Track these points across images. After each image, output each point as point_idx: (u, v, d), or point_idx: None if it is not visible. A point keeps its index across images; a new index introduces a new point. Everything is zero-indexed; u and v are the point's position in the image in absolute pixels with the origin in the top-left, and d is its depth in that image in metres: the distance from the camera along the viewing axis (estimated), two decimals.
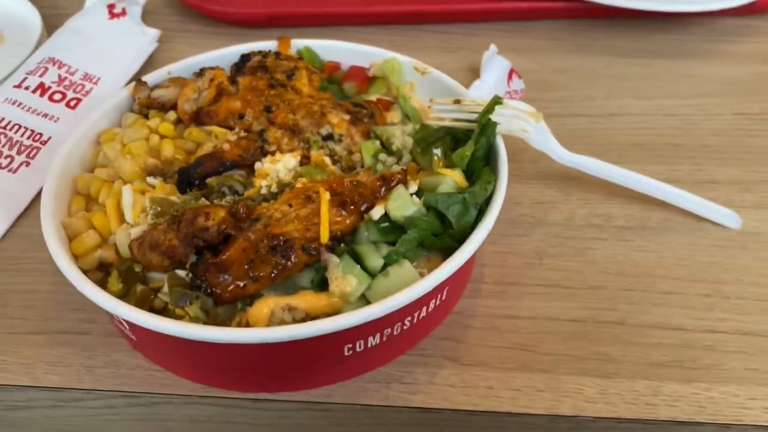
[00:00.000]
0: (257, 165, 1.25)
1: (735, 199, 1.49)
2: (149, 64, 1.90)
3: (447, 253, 1.17)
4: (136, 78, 1.82)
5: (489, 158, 1.29)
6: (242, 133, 1.33)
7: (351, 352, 1.11)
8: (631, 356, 1.21)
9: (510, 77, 1.75)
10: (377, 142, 1.37)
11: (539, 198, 1.49)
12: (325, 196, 1.15)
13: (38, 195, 1.55)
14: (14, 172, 1.55)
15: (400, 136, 1.35)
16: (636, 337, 1.24)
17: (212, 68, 1.47)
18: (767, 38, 2.00)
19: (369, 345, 1.12)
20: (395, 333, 1.14)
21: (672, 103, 1.76)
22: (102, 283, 1.19)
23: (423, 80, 1.53)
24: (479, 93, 1.72)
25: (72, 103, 1.70)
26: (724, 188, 1.51)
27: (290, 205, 1.15)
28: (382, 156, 1.34)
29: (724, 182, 1.53)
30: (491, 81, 1.76)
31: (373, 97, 1.54)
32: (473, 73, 1.86)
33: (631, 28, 2.01)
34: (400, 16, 2.03)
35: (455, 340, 1.24)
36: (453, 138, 1.34)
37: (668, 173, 1.56)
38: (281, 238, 1.10)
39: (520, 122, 1.33)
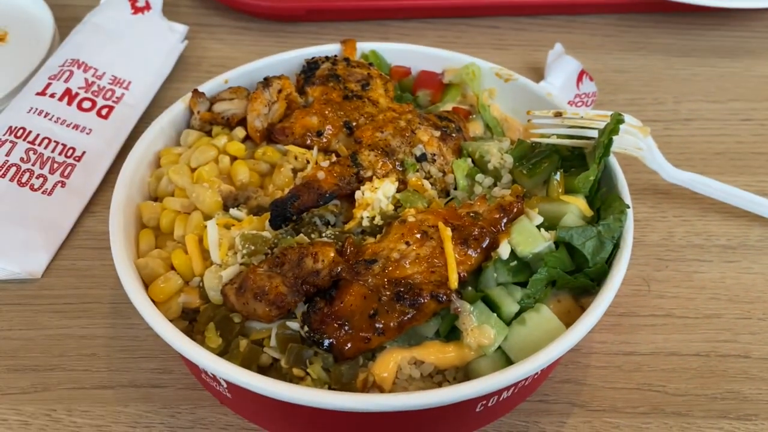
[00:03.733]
0: (357, 194, 1.12)
1: None
2: (178, 65, 1.72)
3: (575, 292, 1.07)
4: (168, 81, 1.67)
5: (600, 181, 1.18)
6: (333, 158, 1.18)
7: (482, 408, 1.00)
8: (765, 394, 1.13)
9: (580, 79, 1.64)
10: (469, 160, 1.25)
11: (633, 215, 1.39)
12: (447, 232, 1.02)
13: (78, 221, 1.38)
14: (49, 194, 1.37)
15: (497, 153, 1.22)
16: (765, 372, 1.16)
17: (278, 77, 1.31)
18: None
19: (501, 398, 1.01)
20: (526, 384, 1.03)
21: (745, 107, 1.68)
22: (188, 334, 1.04)
23: (505, 88, 1.40)
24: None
25: (104, 112, 1.52)
26: None
27: (407, 243, 1.02)
28: (479, 177, 1.21)
29: None
30: (558, 83, 1.64)
31: (449, 107, 1.41)
32: (533, 73, 1.75)
33: (687, 24, 1.92)
34: (446, 9, 1.89)
35: (577, 383, 1.14)
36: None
37: (757, 185, 1.48)
38: (405, 283, 0.98)
39: (632, 139, 1.22)
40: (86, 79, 1.55)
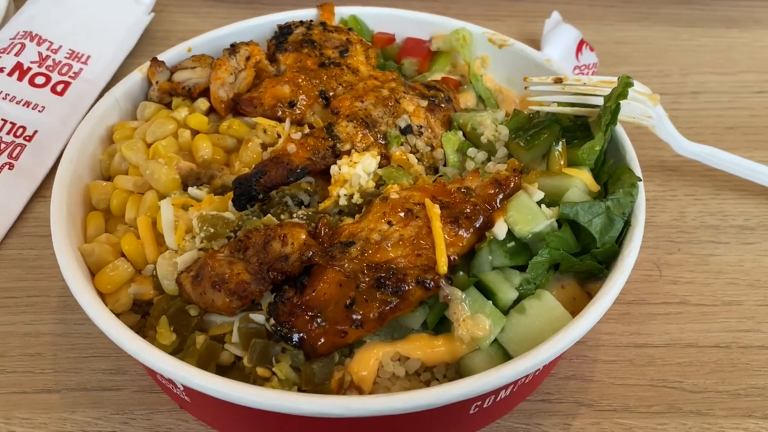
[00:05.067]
0: (333, 169, 0.98)
1: None
2: (144, 39, 1.59)
3: (581, 276, 0.95)
4: (131, 56, 1.54)
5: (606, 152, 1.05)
6: (306, 129, 1.05)
7: (477, 409, 0.87)
8: None
9: (579, 49, 1.51)
10: (460, 133, 1.12)
11: None
12: (435, 209, 0.89)
13: (27, 206, 1.24)
14: None
15: (491, 125, 1.09)
16: None
17: (246, 43, 1.18)
18: None
19: (498, 398, 0.88)
20: (526, 381, 0.90)
21: (756, 79, 1.56)
22: (140, 329, 0.92)
23: (499, 55, 1.27)
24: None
25: (59, 88, 1.38)
26: None
27: (389, 223, 0.89)
28: (471, 151, 1.08)
29: None
30: (556, 54, 1.52)
31: (438, 76, 1.28)
32: (529, 45, 1.61)
33: None
34: None
35: (583, 380, 1.01)
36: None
37: None
38: (388, 267, 0.85)
39: (641, 106, 1.10)
40: (40, 53, 1.42)
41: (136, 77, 1.16)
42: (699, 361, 1.04)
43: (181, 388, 0.86)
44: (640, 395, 0.99)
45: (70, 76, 1.41)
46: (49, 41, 1.44)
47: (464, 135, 1.12)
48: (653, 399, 0.99)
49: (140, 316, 0.94)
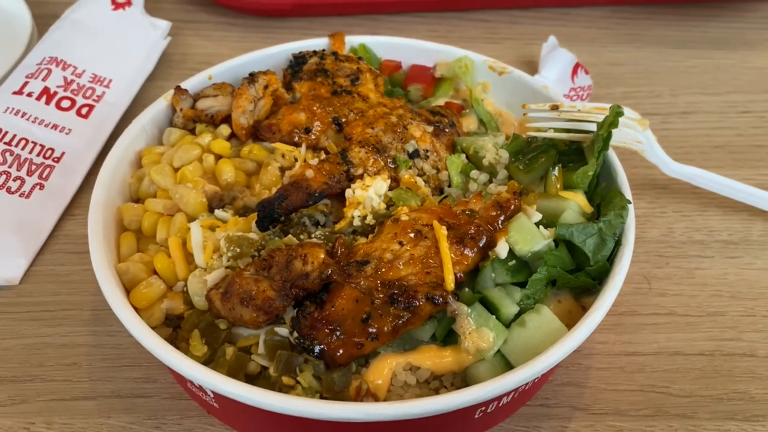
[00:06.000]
0: (348, 192, 1.07)
1: None
2: (162, 62, 1.67)
3: (576, 291, 1.03)
4: (150, 79, 1.62)
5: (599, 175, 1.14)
6: (322, 155, 1.14)
7: (481, 414, 0.96)
8: None
9: (575, 72, 1.60)
10: (463, 156, 1.20)
11: None
12: (442, 231, 0.97)
13: (58, 224, 1.32)
14: (27, 197, 1.32)
15: (492, 149, 1.18)
16: None
17: (263, 73, 1.26)
18: None
19: (501, 404, 0.96)
20: (526, 388, 0.99)
21: (743, 99, 1.64)
22: (172, 341, 1.00)
23: (499, 81, 1.36)
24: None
25: (83, 111, 1.47)
26: None
27: (400, 243, 0.98)
28: (473, 173, 1.17)
29: None
30: (553, 77, 1.60)
31: (442, 101, 1.37)
32: (527, 67, 1.70)
33: (682, 15, 1.88)
34: (437, 3, 1.85)
35: (578, 386, 1.09)
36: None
37: (758, 178, 1.44)
38: (399, 285, 0.93)
39: (631, 132, 1.18)
40: (65, 78, 1.50)
41: (161, 104, 1.24)
42: (685, 368, 1.12)
43: (211, 395, 0.94)
44: (630, 399, 1.08)
45: (93, 99, 1.49)
46: (74, 66, 1.52)
47: (467, 158, 1.21)
48: (642, 403, 1.07)
49: (172, 329, 1.02)
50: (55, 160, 1.38)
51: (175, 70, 1.67)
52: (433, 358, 0.94)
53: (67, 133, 1.42)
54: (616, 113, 1.09)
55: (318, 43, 1.38)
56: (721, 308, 1.21)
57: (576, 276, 0.99)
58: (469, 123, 1.33)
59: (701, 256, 1.29)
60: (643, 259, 1.28)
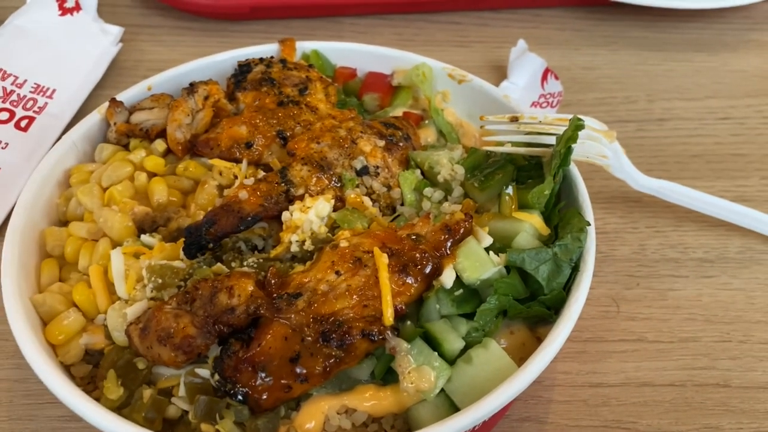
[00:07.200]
0: (285, 215, 0.99)
1: None
2: (112, 70, 1.59)
3: (531, 321, 0.95)
4: (99, 88, 1.54)
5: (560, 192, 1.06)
6: (259, 174, 1.05)
7: None
8: (747, 429, 1.01)
9: (545, 78, 1.52)
10: (418, 172, 1.12)
11: (602, 227, 1.27)
12: (383, 259, 0.89)
13: None
14: None
15: (448, 164, 1.10)
16: (746, 403, 1.05)
17: (205, 82, 1.18)
18: None
19: None
20: (476, 429, 0.90)
21: (722, 104, 1.56)
22: (92, 379, 0.92)
23: (459, 90, 1.28)
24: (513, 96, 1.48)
25: (23, 124, 1.38)
26: None
27: (337, 273, 0.89)
28: (427, 190, 1.08)
29: None
30: (522, 82, 1.53)
31: (399, 111, 1.28)
32: (497, 72, 1.62)
33: (662, 17, 1.79)
34: (403, 4, 1.76)
35: (538, 421, 1.02)
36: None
37: (736, 190, 1.36)
38: (333, 320, 0.85)
39: (596, 145, 1.10)
40: (4, 88, 1.42)
41: (94, 118, 1.16)
42: (654, 401, 1.04)
43: None
44: None
45: (34, 111, 1.41)
46: (14, 75, 1.44)
47: (422, 173, 1.12)
48: None
49: (92, 366, 0.94)
50: None
51: (126, 77, 1.59)
52: (371, 400, 0.86)
53: (3, 148, 1.34)
54: (576, 126, 1.00)
55: (267, 49, 1.29)
56: (694, 333, 1.13)
57: (529, 306, 0.91)
58: (427, 134, 1.25)
59: (674, 276, 1.21)
60: (611, 279, 1.20)
